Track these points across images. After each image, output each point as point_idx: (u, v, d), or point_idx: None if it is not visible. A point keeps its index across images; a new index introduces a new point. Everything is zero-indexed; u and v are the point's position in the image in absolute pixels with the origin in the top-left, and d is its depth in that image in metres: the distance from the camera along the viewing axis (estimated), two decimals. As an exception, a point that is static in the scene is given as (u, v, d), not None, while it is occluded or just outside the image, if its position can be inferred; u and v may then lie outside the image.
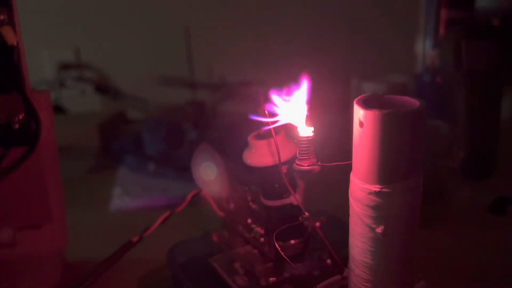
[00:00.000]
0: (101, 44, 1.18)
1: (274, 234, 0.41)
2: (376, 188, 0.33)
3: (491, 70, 0.78)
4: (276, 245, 0.39)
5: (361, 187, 0.34)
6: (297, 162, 0.38)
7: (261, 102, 0.42)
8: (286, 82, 0.41)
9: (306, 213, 0.42)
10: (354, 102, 0.33)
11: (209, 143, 0.53)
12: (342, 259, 0.43)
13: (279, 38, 1.16)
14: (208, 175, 0.51)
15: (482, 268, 0.57)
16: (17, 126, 0.48)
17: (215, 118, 1.08)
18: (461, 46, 0.78)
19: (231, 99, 1.14)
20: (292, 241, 0.47)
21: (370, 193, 0.33)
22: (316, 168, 0.38)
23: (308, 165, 0.38)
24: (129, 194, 0.80)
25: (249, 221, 0.50)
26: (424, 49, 0.90)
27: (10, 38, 0.46)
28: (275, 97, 0.40)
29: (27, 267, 0.58)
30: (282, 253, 0.40)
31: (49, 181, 0.58)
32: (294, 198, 0.44)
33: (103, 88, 1.18)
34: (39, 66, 1.16)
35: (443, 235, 0.65)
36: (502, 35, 0.79)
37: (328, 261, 0.49)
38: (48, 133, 0.55)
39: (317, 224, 0.46)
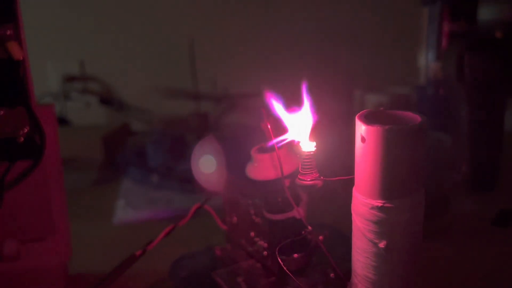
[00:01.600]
0: (106, 57, 1.19)
1: (277, 249, 0.41)
2: (378, 203, 0.33)
3: (493, 82, 0.78)
4: (279, 260, 0.39)
5: (364, 202, 0.34)
6: (299, 176, 0.38)
7: (264, 118, 0.43)
8: (289, 94, 0.41)
9: (309, 227, 0.42)
10: (356, 117, 0.33)
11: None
12: (345, 272, 0.43)
13: (283, 51, 1.17)
14: (207, 167, 0.51)
15: (486, 281, 0.57)
16: (22, 139, 0.48)
17: (218, 129, 1.08)
18: (463, 58, 0.78)
19: (234, 111, 1.14)
20: (295, 255, 0.47)
21: (372, 208, 0.33)
22: (319, 182, 0.38)
23: (310, 180, 0.38)
24: (132, 206, 0.80)
25: (252, 234, 0.50)
26: (427, 61, 0.90)
27: (16, 53, 0.46)
28: (279, 109, 0.40)
29: (30, 280, 0.58)
30: (284, 268, 0.40)
31: (53, 193, 0.58)
32: (297, 212, 0.44)
33: (107, 100, 1.18)
34: (44, 78, 1.17)
35: (447, 247, 0.65)
36: (505, 48, 0.79)
37: (332, 275, 0.48)
38: (53, 146, 0.55)
39: (320, 238, 0.46)
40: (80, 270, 0.62)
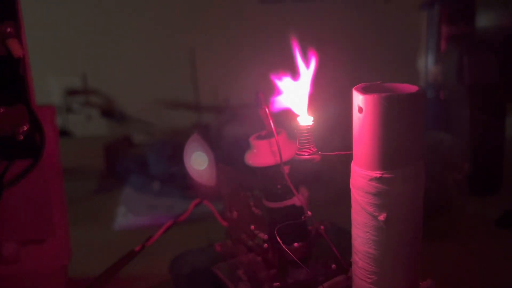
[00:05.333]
0: (107, 70, 1.20)
1: (276, 229, 0.40)
2: (377, 174, 0.32)
3: (493, 84, 0.78)
4: (278, 238, 0.39)
5: (362, 174, 0.33)
6: (297, 152, 0.38)
7: (262, 103, 0.43)
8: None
9: (309, 212, 0.42)
10: (353, 89, 0.33)
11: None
12: (347, 263, 0.42)
13: (283, 60, 1.17)
14: (200, 164, 0.51)
15: (489, 282, 0.56)
16: (21, 137, 0.48)
17: (220, 140, 1.08)
18: (463, 60, 0.78)
19: (235, 121, 1.14)
20: (296, 244, 0.46)
21: (371, 180, 0.33)
22: (317, 157, 0.37)
23: (308, 154, 0.37)
24: (133, 212, 0.80)
25: (252, 227, 0.50)
26: (427, 65, 0.90)
27: (16, 50, 0.46)
28: (279, 81, 0.40)
29: (30, 283, 0.57)
30: (283, 246, 0.39)
31: (53, 195, 0.58)
32: (297, 198, 0.43)
33: (109, 112, 1.19)
34: (46, 92, 1.18)
35: (450, 248, 0.64)
36: (504, 50, 0.79)
37: (333, 266, 0.48)
38: (53, 147, 0.55)
39: (321, 227, 0.45)
40: (79, 273, 0.61)
